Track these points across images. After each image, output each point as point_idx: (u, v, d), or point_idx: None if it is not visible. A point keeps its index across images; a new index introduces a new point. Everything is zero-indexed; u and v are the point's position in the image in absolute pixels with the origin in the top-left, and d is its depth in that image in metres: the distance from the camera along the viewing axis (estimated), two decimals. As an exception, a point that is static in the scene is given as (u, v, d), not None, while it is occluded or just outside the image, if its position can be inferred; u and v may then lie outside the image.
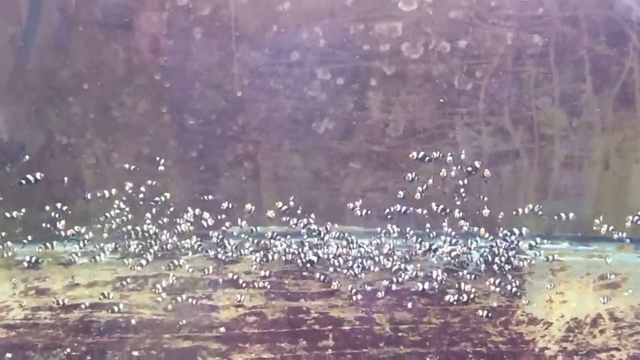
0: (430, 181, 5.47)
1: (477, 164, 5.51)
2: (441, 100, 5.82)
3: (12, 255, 5.73)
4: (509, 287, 5.42)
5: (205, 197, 5.72)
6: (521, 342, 5.15)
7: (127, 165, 5.75)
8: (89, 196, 5.68)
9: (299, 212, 5.72)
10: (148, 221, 5.82)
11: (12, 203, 5.60)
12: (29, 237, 5.69)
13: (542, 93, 5.81)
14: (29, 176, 5.25)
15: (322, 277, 5.50)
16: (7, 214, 5.58)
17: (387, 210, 5.61)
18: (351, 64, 5.74)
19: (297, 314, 5.27)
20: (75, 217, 5.71)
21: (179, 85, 5.77)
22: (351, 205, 5.65)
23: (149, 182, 5.76)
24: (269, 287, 5.46)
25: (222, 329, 5.17)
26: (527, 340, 5.15)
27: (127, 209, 5.75)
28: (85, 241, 5.77)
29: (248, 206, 5.63)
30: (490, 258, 5.69)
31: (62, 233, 5.68)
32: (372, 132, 5.90)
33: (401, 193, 5.48)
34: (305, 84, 5.78)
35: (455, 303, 5.31)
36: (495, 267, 5.62)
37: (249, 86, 5.75)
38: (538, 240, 5.79)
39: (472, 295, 5.37)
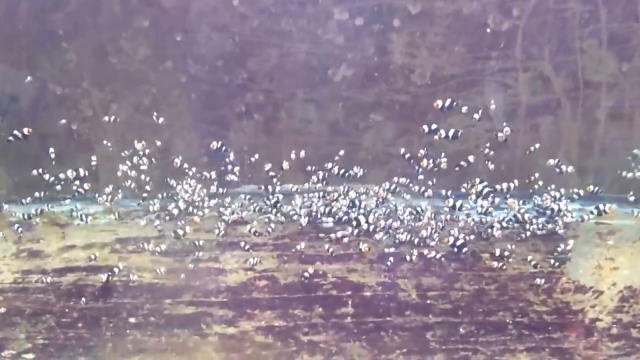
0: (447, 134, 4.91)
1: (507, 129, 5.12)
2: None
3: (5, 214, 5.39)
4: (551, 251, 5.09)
5: (213, 151, 5.24)
6: (568, 313, 4.79)
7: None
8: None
9: (313, 168, 5.30)
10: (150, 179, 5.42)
11: (4, 158, 5.27)
12: (24, 198, 5.33)
13: (587, 34, 5.29)
14: (17, 132, 4.78)
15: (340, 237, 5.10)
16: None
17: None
18: (372, 2, 5.24)
19: (312, 278, 4.89)
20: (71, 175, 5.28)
21: (182, 27, 5.30)
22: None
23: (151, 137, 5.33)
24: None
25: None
26: (575, 310, 4.78)
27: (128, 165, 5.35)
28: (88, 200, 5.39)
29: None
30: (527, 219, 5.29)
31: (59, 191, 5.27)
32: (395, 79, 5.43)
33: (422, 152, 5.07)
34: (321, 25, 5.31)
35: (490, 268, 4.95)
36: (533, 229, 5.26)
37: (257, 28, 5.29)
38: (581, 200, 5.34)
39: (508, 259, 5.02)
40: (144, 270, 4.89)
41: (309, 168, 5.27)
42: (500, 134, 5.01)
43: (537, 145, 5.31)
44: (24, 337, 4.50)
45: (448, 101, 4.83)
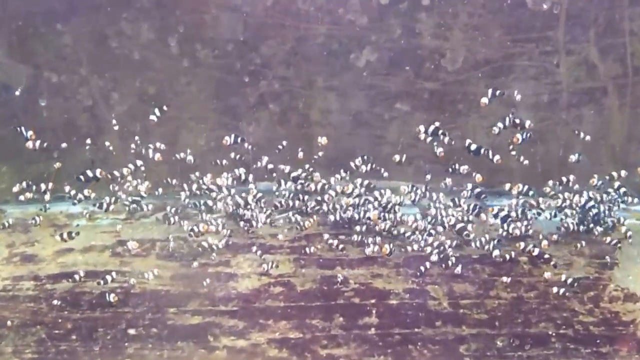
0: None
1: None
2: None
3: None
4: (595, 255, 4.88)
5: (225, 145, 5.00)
6: (618, 324, 4.35)
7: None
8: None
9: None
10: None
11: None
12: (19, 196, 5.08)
13: (638, 14, 5.12)
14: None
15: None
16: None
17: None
18: (398, -22, 4.93)
19: (332, 284, 4.60)
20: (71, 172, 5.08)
21: (188, 7, 5.12)
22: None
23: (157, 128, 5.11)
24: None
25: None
26: (626, 321, 4.35)
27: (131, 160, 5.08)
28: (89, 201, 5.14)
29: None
30: (568, 221, 5.09)
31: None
32: (423, 64, 5.25)
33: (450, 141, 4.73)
34: (342, 4, 5.13)
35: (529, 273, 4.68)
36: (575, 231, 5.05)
37: (272, 8, 5.08)
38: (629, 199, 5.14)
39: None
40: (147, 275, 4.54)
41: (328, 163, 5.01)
42: (517, 137, 4.62)
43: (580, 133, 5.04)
44: (10, 351, 4.09)
45: (495, 93, 4.52)
